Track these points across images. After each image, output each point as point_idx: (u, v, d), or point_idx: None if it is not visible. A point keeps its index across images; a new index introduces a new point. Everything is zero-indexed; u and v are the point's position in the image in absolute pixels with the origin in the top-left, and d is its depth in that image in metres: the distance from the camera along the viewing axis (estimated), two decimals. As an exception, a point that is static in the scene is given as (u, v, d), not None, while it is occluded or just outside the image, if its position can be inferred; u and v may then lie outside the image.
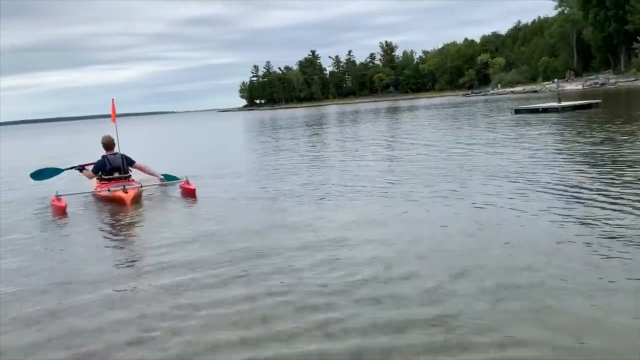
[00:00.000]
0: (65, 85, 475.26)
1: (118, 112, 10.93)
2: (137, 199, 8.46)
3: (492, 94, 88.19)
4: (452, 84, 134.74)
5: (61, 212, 7.86)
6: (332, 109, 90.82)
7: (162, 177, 9.75)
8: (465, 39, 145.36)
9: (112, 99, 10.61)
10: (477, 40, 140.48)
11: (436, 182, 8.59)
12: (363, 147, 15.93)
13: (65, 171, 9.94)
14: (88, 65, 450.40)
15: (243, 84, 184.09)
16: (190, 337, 3.46)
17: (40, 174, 9.80)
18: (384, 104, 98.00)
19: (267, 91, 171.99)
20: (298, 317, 3.68)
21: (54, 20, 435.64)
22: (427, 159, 11.65)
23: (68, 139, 43.75)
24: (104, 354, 3.34)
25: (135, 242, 6.46)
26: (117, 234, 6.85)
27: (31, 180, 9.93)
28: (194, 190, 8.59)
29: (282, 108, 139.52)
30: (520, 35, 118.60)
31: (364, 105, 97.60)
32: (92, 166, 9.44)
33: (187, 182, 8.95)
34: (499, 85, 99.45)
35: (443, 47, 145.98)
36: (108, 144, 9.32)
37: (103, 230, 6.99)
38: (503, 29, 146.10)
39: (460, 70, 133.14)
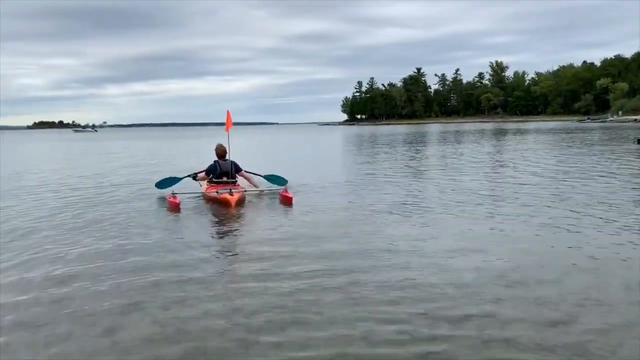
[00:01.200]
0: (183, 93, 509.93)
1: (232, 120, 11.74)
2: (240, 202, 9.30)
3: (612, 121, 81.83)
4: (566, 109, 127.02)
5: (176, 208, 8.91)
6: (434, 127, 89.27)
7: (262, 190, 10.44)
8: (584, 62, 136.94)
9: (228, 110, 11.54)
10: (597, 63, 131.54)
11: (543, 209, 8.24)
12: (466, 168, 15.46)
13: (184, 179, 10.90)
14: (205, 76, 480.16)
15: (345, 99, 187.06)
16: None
17: (162, 184, 10.79)
18: (490, 125, 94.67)
19: (369, 107, 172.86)
20: (397, 342, 3.63)
21: (178, 32, 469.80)
22: (536, 186, 11.08)
23: (187, 143, 46.69)
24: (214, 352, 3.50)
25: (234, 238, 7.20)
26: (221, 230, 7.70)
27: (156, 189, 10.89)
28: (291, 198, 9.23)
29: (382, 124, 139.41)
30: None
31: (469, 125, 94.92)
32: (203, 173, 10.48)
33: (285, 191, 9.64)
34: (620, 112, 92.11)
35: (558, 69, 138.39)
36: (221, 153, 10.30)
37: (209, 226, 8.04)
38: (628, 52, 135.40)
39: (576, 94, 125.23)
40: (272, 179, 11.12)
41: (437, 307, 4.19)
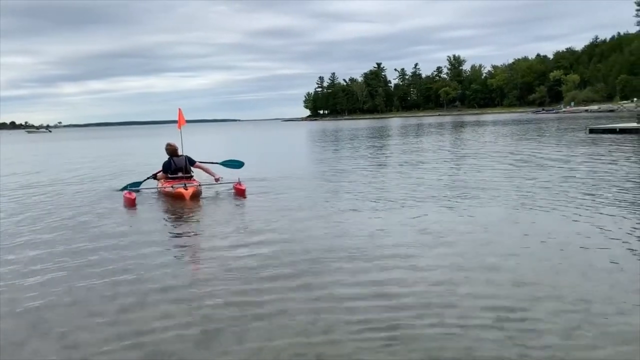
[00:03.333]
0: (142, 90, 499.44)
1: (187, 118, 12.27)
2: (195, 196, 9.65)
3: (565, 111, 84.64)
4: (522, 101, 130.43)
5: (131, 204, 9.25)
6: (395, 121, 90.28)
7: (219, 177, 10.80)
8: (538, 55, 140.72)
9: (179, 108, 12.08)
10: (550, 56, 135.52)
11: (502, 196, 8.49)
12: (425, 160, 15.71)
13: (144, 182, 11.00)
14: (164, 72, 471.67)
15: (308, 94, 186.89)
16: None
17: (125, 189, 10.70)
18: (449, 118, 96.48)
19: (331, 102, 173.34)
20: (358, 331, 3.63)
21: (136, 28, 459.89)
22: (493, 174, 11.40)
23: (144, 142, 45.75)
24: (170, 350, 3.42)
25: (189, 232, 7.33)
26: (176, 223, 7.96)
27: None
28: (244, 190, 9.77)
29: (344, 119, 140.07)
30: (597, 51, 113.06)
31: (429, 119, 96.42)
32: (161, 172, 10.70)
33: (239, 183, 10.14)
34: (572, 103, 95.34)
35: (514, 62, 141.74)
36: (172, 152, 10.58)
37: (164, 220, 8.26)
38: (579, 45, 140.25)
39: (530, 87, 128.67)
40: (228, 163, 11.74)
41: (396, 294, 4.22)
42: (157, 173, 10.84)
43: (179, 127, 11.87)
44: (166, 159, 10.52)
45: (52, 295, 4.54)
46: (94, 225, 7.62)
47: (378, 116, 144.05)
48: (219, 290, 4.52)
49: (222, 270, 5.11)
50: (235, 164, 11.79)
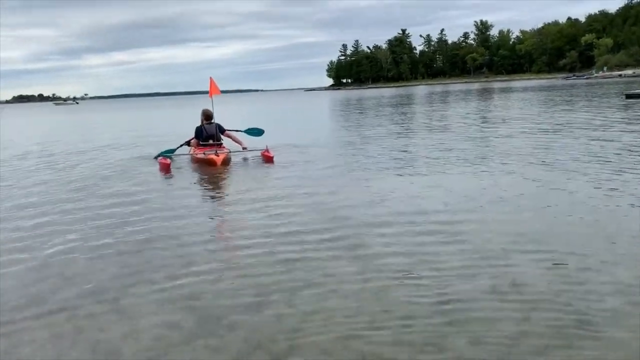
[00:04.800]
0: (165, 61, 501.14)
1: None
2: (226, 162, 10.09)
3: (597, 77, 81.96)
4: (551, 66, 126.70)
5: (166, 168, 9.76)
6: (420, 89, 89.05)
7: (246, 146, 11.18)
8: (569, 18, 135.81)
9: (211, 77, 12.12)
10: (582, 19, 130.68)
11: (530, 164, 8.37)
12: (451, 127, 15.47)
13: (178, 149, 11.38)
14: (186, 43, 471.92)
15: (331, 63, 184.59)
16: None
17: (160, 156, 11.05)
18: (475, 85, 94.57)
19: (354, 70, 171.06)
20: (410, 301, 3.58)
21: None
22: (523, 141, 11.20)
23: (172, 112, 46.07)
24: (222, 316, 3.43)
25: (224, 197, 7.67)
26: (210, 189, 8.35)
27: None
28: (272, 157, 10.09)
29: (368, 88, 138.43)
30: (632, 13, 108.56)
31: (455, 86, 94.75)
32: (193, 139, 11.12)
33: (267, 150, 10.48)
34: (605, 68, 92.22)
35: (543, 27, 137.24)
36: (207, 116, 11.00)
37: (199, 185, 8.76)
38: (612, 7, 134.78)
39: (560, 52, 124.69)
40: (250, 131, 12.13)
41: (443, 259, 4.17)
42: (190, 140, 11.21)
43: (210, 95, 11.92)
44: (198, 125, 10.96)
45: (100, 263, 4.59)
46: (132, 192, 7.79)
47: (403, 84, 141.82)
48: (263, 256, 4.51)
49: (264, 236, 5.09)
50: (256, 132, 12.12)
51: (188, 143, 11.25)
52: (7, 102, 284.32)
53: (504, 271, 3.94)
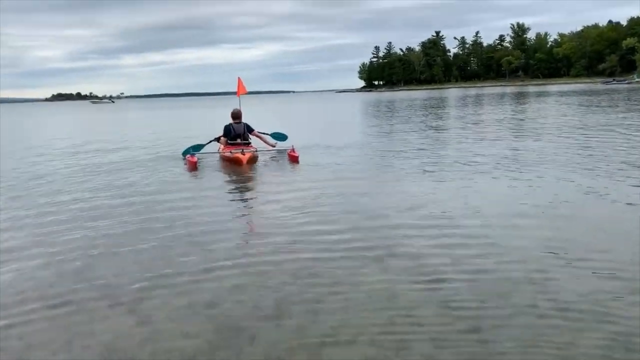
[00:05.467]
0: (198, 62, 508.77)
1: (247, 89, 12.84)
2: (252, 161, 10.17)
3: (638, 82, 79.24)
4: (590, 70, 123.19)
5: (193, 166, 9.90)
6: (453, 92, 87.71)
7: (274, 143, 11.53)
8: (609, 21, 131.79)
9: (239, 77, 12.96)
10: (624, 22, 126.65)
11: (569, 170, 8.03)
12: (485, 131, 15.04)
13: (207, 145, 11.55)
14: (220, 44, 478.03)
15: (363, 65, 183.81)
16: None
17: (189, 151, 11.27)
18: (511, 88, 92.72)
19: (387, 72, 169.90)
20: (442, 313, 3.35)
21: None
22: (561, 147, 10.78)
23: (205, 112, 46.55)
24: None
25: (250, 198, 7.66)
26: (235, 188, 8.42)
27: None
28: (297, 157, 10.12)
29: (400, 90, 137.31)
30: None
31: (490, 89, 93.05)
32: (222, 136, 11.22)
33: (293, 150, 10.53)
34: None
35: (582, 30, 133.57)
36: (235, 115, 11.20)
37: (222, 180, 9.00)
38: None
39: (600, 56, 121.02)
40: (274, 135, 12.21)
41: (478, 267, 3.91)
42: (219, 137, 11.31)
43: (238, 94, 12.59)
44: (227, 124, 11.16)
45: (120, 262, 4.50)
46: (156, 190, 7.83)
47: (436, 86, 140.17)
48: (287, 263, 4.33)
49: (288, 241, 4.92)
50: (281, 137, 12.20)
51: (218, 139, 11.36)
52: (46, 100, 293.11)
53: (543, 280, 3.67)
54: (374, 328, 3.15)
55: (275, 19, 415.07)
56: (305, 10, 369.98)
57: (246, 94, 12.45)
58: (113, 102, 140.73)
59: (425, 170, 8.61)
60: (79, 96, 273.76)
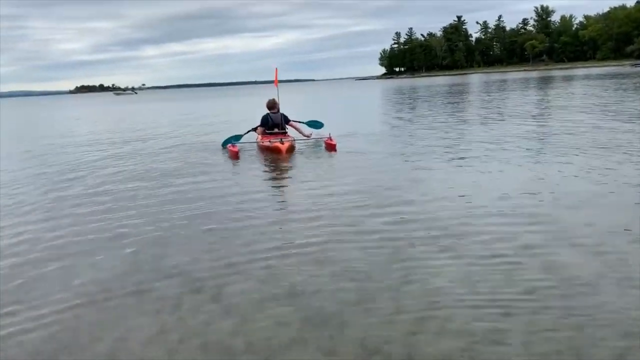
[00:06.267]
0: (219, 52, 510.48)
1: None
2: (290, 150, 10.32)
3: (669, 64, 77.13)
4: (617, 53, 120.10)
5: (235, 155, 10.17)
6: (476, 77, 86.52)
7: (310, 133, 11.59)
8: (637, 2, 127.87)
9: (276, 68, 13.25)
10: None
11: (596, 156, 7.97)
12: (509, 119, 14.83)
13: (245, 135, 11.72)
14: (239, 33, 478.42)
15: (383, 51, 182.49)
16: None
17: (227, 142, 11.59)
18: (535, 73, 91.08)
19: (408, 59, 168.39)
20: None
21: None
22: (587, 133, 10.64)
23: (232, 101, 46.74)
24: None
25: (285, 180, 8.12)
26: (273, 174, 8.73)
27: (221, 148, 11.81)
28: (335, 145, 10.31)
29: (422, 76, 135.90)
30: None
31: (513, 74, 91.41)
32: (259, 126, 11.46)
33: (330, 139, 10.67)
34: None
35: (609, 11, 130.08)
36: (271, 106, 11.39)
37: (262, 168, 9.22)
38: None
39: (628, 37, 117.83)
40: (311, 123, 12.41)
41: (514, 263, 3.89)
42: (256, 127, 11.58)
43: (276, 84, 12.71)
44: (264, 114, 11.32)
45: (191, 252, 4.58)
46: (205, 180, 7.96)
47: (458, 72, 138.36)
48: (356, 250, 4.34)
49: (350, 228, 4.97)
50: (317, 124, 12.41)
51: (255, 129, 11.62)
52: (70, 92, 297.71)
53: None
54: (460, 316, 3.16)
55: (293, 6, 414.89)
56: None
57: (277, 85, 12.63)
58: (136, 93, 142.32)
59: (460, 157, 8.62)
60: (102, 88, 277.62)
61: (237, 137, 11.56)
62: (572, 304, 3.25)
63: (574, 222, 4.86)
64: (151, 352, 2.96)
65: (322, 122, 12.61)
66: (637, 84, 29.93)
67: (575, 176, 6.76)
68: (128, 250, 4.71)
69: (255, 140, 11.32)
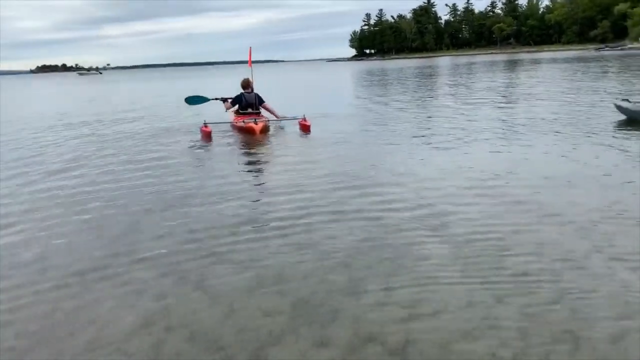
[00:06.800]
0: (186, 31, 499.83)
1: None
2: (265, 130, 10.21)
3: (631, 48, 79.05)
4: (582, 37, 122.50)
5: (207, 136, 10.01)
6: (445, 60, 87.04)
7: (283, 116, 11.31)
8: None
9: (250, 47, 13.17)
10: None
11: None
12: (476, 101, 15.02)
13: (211, 100, 11.79)
14: (207, 12, 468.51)
15: (354, 33, 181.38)
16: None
17: (193, 100, 11.91)
18: (502, 56, 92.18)
19: (378, 40, 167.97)
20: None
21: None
22: (548, 112, 11.01)
23: (201, 82, 45.87)
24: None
25: (260, 161, 8.04)
26: (248, 154, 8.60)
27: (185, 104, 12.34)
28: (309, 126, 10.23)
29: (392, 58, 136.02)
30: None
31: (481, 57, 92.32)
32: (229, 101, 11.31)
33: (304, 119, 10.54)
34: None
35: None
36: (245, 85, 11.13)
37: (237, 149, 9.02)
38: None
39: (592, 22, 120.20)
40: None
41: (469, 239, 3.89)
42: (225, 99, 11.42)
43: (250, 65, 12.78)
44: (238, 93, 11.12)
45: (171, 238, 4.41)
46: (177, 158, 8.04)
47: (427, 55, 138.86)
48: (343, 235, 4.26)
49: (334, 212, 4.85)
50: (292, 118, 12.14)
51: (224, 100, 11.44)
52: (31, 71, 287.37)
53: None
54: (453, 300, 3.11)
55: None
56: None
57: (250, 66, 12.60)
58: (101, 73, 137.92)
59: (437, 139, 8.64)
60: (64, 68, 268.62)
61: (202, 99, 11.77)
62: (564, 285, 3.25)
63: (555, 201, 4.89)
64: (134, 344, 2.82)
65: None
66: (605, 68, 30.55)
67: (547, 155, 6.82)
68: (104, 237, 4.51)
69: (228, 120, 11.17)
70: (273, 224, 4.66)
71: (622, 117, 9.69)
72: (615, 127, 9.03)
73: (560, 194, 5.16)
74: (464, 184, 5.66)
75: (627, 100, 9.89)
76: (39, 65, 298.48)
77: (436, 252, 3.83)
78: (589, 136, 8.23)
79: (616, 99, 10.84)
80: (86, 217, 5.12)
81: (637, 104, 9.48)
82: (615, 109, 9.99)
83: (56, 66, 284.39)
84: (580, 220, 4.37)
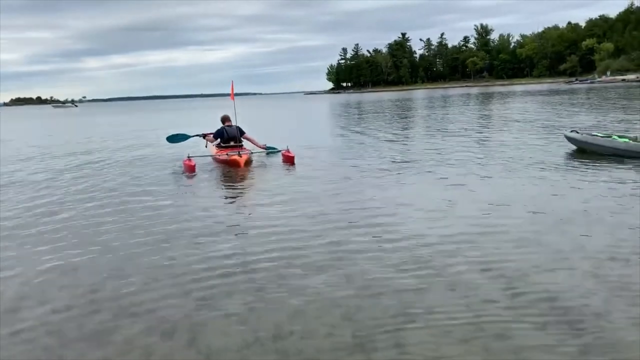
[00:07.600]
0: (164, 64, 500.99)
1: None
2: (248, 163, 10.19)
3: (600, 81, 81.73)
4: (552, 71, 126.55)
5: (191, 169, 9.82)
6: (420, 93, 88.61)
7: (264, 145, 11.29)
8: (569, 23, 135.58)
9: (232, 81, 13.16)
10: (582, 24, 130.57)
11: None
12: (452, 133, 15.16)
13: (192, 137, 11.89)
14: (186, 46, 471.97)
15: (331, 66, 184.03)
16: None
17: (174, 138, 11.97)
18: (476, 89, 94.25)
19: (355, 74, 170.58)
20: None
21: (156, 0, 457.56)
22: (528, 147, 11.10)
23: (179, 115, 45.53)
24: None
25: (246, 198, 7.82)
26: (233, 187, 8.54)
27: (166, 142, 12.39)
28: (293, 157, 10.22)
29: (368, 91, 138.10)
30: (633, 19, 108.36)
31: (455, 90, 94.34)
32: (211, 135, 11.34)
33: (288, 151, 10.56)
34: (608, 73, 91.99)
35: (543, 31, 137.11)
36: (225, 119, 11.25)
37: (222, 183, 8.91)
38: (613, 12, 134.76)
39: (561, 56, 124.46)
40: (269, 148, 11.66)
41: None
42: (206, 134, 11.53)
43: (232, 98, 12.95)
44: (219, 128, 11.07)
45: (158, 283, 4.10)
46: (161, 191, 8.04)
47: (403, 88, 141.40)
48: (339, 277, 4.03)
49: (332, 251, 4.62)
50: (275, 151, 11.55)
51: (204, 136, 11.57)
52: (5, 104, 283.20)
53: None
54: (469, 358, 2.88)
55: (241, 20, 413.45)
56: (271, 12, 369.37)
57: (233, 98, 12.81)
58: (76, 106, 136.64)
59: (405, 172, 8.57)
60: (39, 100, 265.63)
61: (184, 137, 11.80)
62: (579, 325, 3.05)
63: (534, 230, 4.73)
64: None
65: (277, 147, 11.69)
66: (580, 99, 31.30)
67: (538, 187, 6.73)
68: (82, 284, 4.17)
69: (211, 154, 11.03)
70: (265, 269, 4.37)
71: (573, 147, 10.25)
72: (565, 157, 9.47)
73: (566, 232, 5.01)
74: (455, 222, 5.47)
75: (576, 131, 10.44)
76: (13, 98, 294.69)
77: (446, 301, 3.60)
78: (540, 168, 8.49)
79: (566, 130, 11.12)
80: (60, 263, 4.75)
81: (584, 135, 10.04)
82: (565, 140, 10.50)
83: (31, 99, 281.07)
84: (587, 265, 4.20)
